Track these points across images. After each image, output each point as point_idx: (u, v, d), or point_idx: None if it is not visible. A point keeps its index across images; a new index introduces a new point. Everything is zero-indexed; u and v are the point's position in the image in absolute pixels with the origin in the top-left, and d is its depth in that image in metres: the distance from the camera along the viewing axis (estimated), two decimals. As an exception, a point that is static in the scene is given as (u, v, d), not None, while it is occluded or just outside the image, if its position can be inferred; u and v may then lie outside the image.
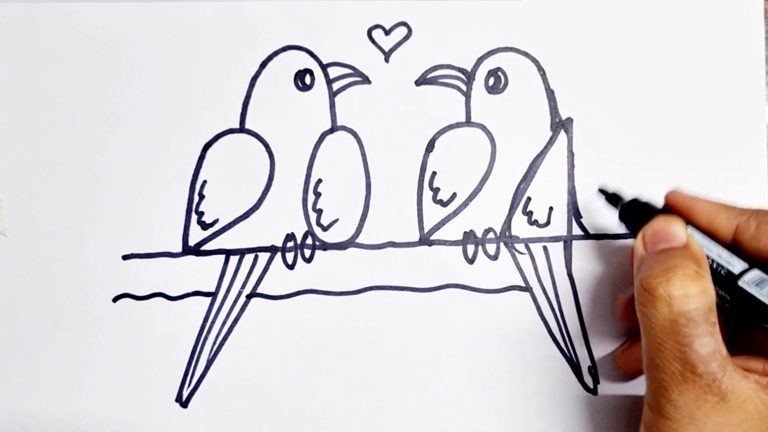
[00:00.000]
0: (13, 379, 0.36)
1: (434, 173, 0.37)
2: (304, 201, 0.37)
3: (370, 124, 0.37)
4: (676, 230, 0.30)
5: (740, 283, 0.28)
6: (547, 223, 0.37)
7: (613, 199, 0.34)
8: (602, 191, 0.34)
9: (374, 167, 0.37)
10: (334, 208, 0.37)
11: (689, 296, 0.27)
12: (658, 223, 0.30)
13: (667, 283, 0.27)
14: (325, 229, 0.37)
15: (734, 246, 0.30)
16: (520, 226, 0.37)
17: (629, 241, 0.37)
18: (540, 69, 0.37)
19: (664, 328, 0.27)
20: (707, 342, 0.27)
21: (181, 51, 0.37)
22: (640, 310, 0.28)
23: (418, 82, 0.37)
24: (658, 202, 0.33)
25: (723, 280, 0.29)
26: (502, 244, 0.37)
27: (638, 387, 0.37)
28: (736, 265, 0.29)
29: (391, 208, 0.37)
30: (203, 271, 0.36)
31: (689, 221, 0.31)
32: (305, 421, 0.36)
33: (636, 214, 0.32)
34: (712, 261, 0.29)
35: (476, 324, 0.36)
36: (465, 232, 0.37)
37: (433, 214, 0.37)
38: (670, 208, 0.32)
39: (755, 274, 0.28)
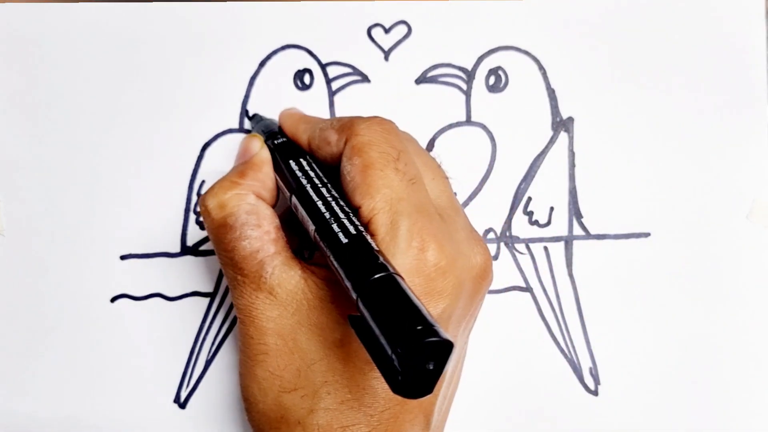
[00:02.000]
0: (11, 379, 0.36)
1: (434, 173, 0.37)
2: (304, 201, 0.36)
3: (369, 123, 0.37)
4: (250, 145, 0.31)
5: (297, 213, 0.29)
6: (548, 223, 0.37)
7: (253, 120, 0.36)
8: (252, 116, 0.36)
9: (374, 167, 0.37)
10: (334, 208, 0.36)
11: (223, 205, 0.29)
12: (242, 141, 0.32)
13: (205, 198, 0.29)
14: (324, 229, 0.36)
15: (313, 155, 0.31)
16: (521, 226, 0.37)
17: (631, 241, 0.37)
18: (541, 68, 0.37)
19: (213, 238, 0.29)
20: (248, 244, 0.28)
21: (181, 51, 0.36)
22: None
23: (418, 81, 0.37)
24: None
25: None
26: (502, 244, 0.37)
27: (641, 388, 0.36)
28: (287, 192, 0.29)
29: (391, 208, 0.37)
30: (202, 272, 0.36)
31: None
32: (304, 422, 0.36)
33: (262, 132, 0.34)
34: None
35: (476, 324, 0.36)
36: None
37: (433, 214, 0.37)
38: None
39: (293, 201, 0.29)
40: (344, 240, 0.25)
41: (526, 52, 0.37)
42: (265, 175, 0.30)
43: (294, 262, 0.28)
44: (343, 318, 0.27)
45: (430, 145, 0.37)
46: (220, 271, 0.36)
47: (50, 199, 0.36)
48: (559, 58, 0.37)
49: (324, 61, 0.37)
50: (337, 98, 0.37)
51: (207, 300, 0.36)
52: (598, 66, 0.37)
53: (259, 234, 0.28)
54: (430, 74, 0.37)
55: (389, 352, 0.20)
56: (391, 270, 0.23)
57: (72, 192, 0.36)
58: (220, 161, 0.36)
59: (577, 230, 0.37)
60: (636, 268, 0.37)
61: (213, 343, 0.36)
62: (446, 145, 0.37)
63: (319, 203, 0.27)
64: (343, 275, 0.24)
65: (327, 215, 0.26)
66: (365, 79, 0.37)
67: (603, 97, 0.37)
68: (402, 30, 0.37)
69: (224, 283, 0.36)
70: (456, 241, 0.28)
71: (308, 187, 0.28)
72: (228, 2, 0.37)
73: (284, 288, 0.27)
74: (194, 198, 0.36)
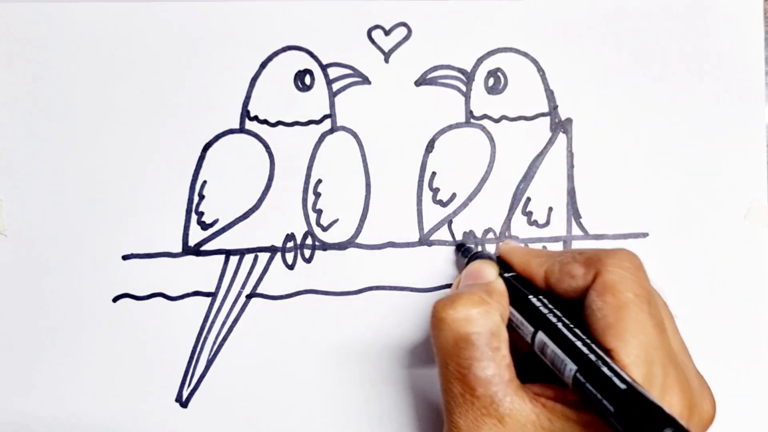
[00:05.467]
0: (13, 379, 0.36)
1: (434, 173, 0.37)
2: (304, 201, 0.37)
3: (370, 124, 0.37)
4: (485, 270, 0.31)
5: (534, 347, 0.29)
6: (547, 223, 0.37)
7: (466, 252, 0.36)
8: (459, 246, 0.36)
9: (374, 167, 0.37)
10: (334, 209, 0.37)
11: (469, 320, 0.28)
12: (472, 265, 0.32)
13: (450, 306, 0.28)
14: (324, 229, 0.37)
15: (550, 291, 0.30)
16: (520, 227, 0.37)
17: (629, 242, 0.37)
18: (540, 69, 0.37)
19: (446, 349, 0.28)
20: (487, 365, 0.27)
21: (181, 51, 0.37)
22: (431, 334, 0.29)
23: (417, 83, 0.37)
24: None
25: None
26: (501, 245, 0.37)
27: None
28: (528, 327, 0.29)
29: (391, 209, 0.37)
30: (203, 272, 0.36)
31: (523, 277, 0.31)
32: (305, 421, 0.36)
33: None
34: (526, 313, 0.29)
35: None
36: (465, 233, 0.37)
37: (432, 214, 0.37)
38: (503, 260, 0.33)
39: (539, 337, 0.28)
40: (622, 386, 0.24)
41: (525, 54, 0.37)
42: (505, 303, 0.29)
43: (524, 392, 0.27)
44: None
45: (430, 146, 0.37)
46: (222, 270, 0.36)
47: (52, 200, 0.36)
48: (558, 60, 0.37)
49: (325, 62, 0.37)
50: (338, 99, 0.37)
51: (208, 300, 0.36)
52: (596, 67, 0.37)
53: (499, 358, 0.27)
54: (429, 76, 0.37)
55: None
56: (684, 424, 0.22)
57: (74, 192, 0.36)
58: (221, 161, 0.37)
59: (576, 230, 0.37)
60: (634, 267, 0.37)
61: (214, 343, 0.36)
62: (446, 146, 0.37)
63: (579, 343, 0.26)
64: (616, 422, 0.24)
65: (592, 357, 0.26)
66: (366, 80, 0.37)
67: (601, 98, 0.37)
68: (402, 32, 0.37)
69: (225, 282, 0.36)
70: (692, 392, 0.27)
71: (559, 324, 0.28)
72: (228, 2, 0.37)
73: (514, 418, 0.27)
74: (195, 198, 0.37)
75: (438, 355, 0.29)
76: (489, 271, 0.31)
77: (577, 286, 0.29)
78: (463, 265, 0.35)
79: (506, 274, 0.31)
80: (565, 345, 0.27)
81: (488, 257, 0.33)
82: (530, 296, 0.29)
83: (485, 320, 0.28)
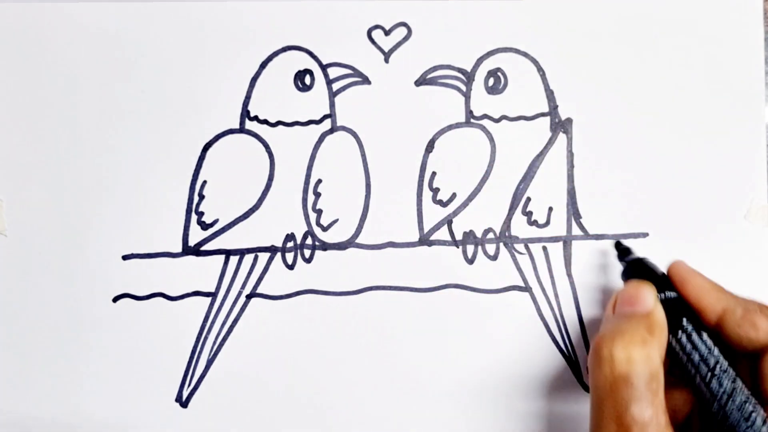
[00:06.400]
0: (13, 379, 0.36)
1: (434, 173, 0.37)
2: (304, 201, 0.37)
3: (370, 124, 0.37)
4: (644, 296, 0.30)
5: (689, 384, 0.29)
6: (547, 223, 0.37)
7: (623, 252, 0.34)
8: (618, 244, 0.35)
9: (374, 167, 0.37)
10: (334, 209, 0.37)
11: (631, 361, 0.27)
12: (629, 287, 0.31)
13: (612, 344, 0.28)
14: (324, 229, 0.37)
15: (716, 329, 0.30)
16: (520, 227, 0.37)
17: (629, 241, 0.37)
18: (540, 69, 0.37)
19: (604, 388, 0.28)
20: (645, 408, 0.27)
21: (181, 51, 0.37)
22: (589, 368, 0.29)
23: (417, 83, 0.37)
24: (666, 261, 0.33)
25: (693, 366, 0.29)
26: (501, 244, 0.37)
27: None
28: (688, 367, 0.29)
29: (391, 209, 0.37)
30: (203, 271, 0.36)
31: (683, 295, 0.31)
32: (305, 420, 0.36)
33: (638, 273, 0.32)
34: (686, 344, 0.29)
35: (476, 324, 0.36)
36: (465, 233, 0.37)
37: (432, 214, 0.37)
38: (668, 276, 0.32)
39: (700, 382, 0.28)
40: None
41: (525, 54, 0.37)
42: (665, 337, 0.29)
43: None
44: None
45: (430, 146, 0.37)
46: (222, 270, 0.37)
47: (52, 200, 0.36)
48: (558, 60, 0.37)
49: (324, 62, 0.37)
50: (338, 99, 0.37)
51: (208, 300, 0.36)
52: (596, 67, 0.37)
53: (656, 401, 0.27)
54: (429, 76, 0.37)
55: None
56: None
57: (74, 192, 0.36)
58: (221, 161, 0.37)
59: (576, 230, 0.37)
60: (634, 267, 0.37)
61: (214, 343, 0.36)
62: (446, 146, 0.37)
63: (746, 402, 0.26)
64: None
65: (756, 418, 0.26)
66: (366, 80, 0.37)
67: (601, 98, 0.37)
68: (402, 32, 0.37)
69: (225, 282, 0.37)
70: None
71: (723, 376, 0.27)
72: (228, 2, 0.37)
73: None
74: (195, 198, 0.37)
75: (594, 392, 0.28)
76: (648, 297, 0.30)
77: (757, 340, 0.28)
78: (622, 271, 0.34)
79: (667, 294, 0.30)
80: (726, 400, 0.27)
81: (647, 268, 0.32)
82: (693, 333, 0.29)
83: (646, 362, 0.27)
